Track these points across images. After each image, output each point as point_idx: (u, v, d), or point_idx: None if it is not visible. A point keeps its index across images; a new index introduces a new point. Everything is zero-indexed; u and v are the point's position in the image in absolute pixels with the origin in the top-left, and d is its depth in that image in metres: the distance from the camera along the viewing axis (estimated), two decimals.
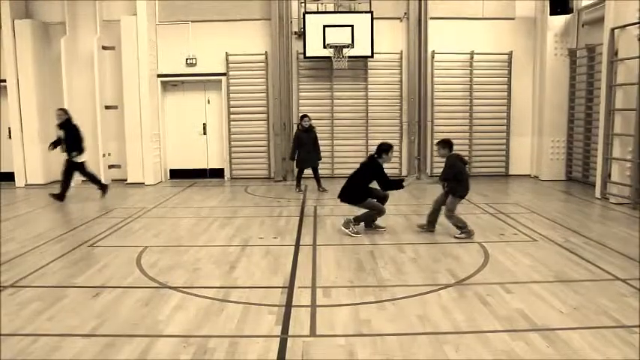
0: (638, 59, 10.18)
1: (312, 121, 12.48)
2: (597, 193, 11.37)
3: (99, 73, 14.00)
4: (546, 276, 6.26)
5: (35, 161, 14.16)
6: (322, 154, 13.43)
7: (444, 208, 8.22)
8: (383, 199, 8.63)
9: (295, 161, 12.76)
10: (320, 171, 13.47)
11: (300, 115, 13.06)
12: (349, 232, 8.29)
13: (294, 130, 13.21)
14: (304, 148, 12.43)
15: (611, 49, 10.90)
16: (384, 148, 8.37)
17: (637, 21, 10.31)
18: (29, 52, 13.84)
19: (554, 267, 6.59)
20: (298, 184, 12.88)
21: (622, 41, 10.68)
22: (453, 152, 8.26)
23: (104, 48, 14.27)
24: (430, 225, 8.48)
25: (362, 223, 8.59)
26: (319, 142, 12.79)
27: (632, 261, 6.76)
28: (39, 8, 14.43)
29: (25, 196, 12.67)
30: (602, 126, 11.26)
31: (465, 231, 8.05)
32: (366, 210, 8.47)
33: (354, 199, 8.50)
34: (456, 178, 8.06)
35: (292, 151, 12.68)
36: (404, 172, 14.63)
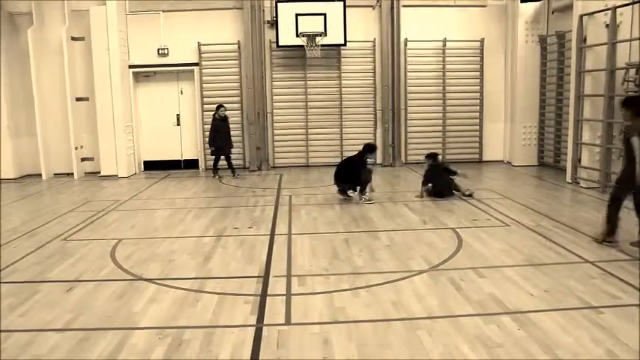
0: (605, 46, 10.35)
1: (287, 110, 12.52)
2: (568, 178, 11.57)
3: (69, 64, 13.77)
4: (518, 260, 6.38)
5: (6, 155, 13.88)
6: (297, 142, 14.34)
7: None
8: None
9: (212, 149, 13.30)
10: (295, 160, 13.78)
11: (217, 105, 13.44)
12: (364, 202, 9.79)
13: (257, 120, 13.21)
14: (222, 136, 13.05)
15: (579, 36, 11.05)
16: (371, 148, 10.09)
17: (604, 8, 10.46)
18: None
19: (526, 251, 6.71)
20: (216, 172, 13.39)
21: (590, 28, 10.83)
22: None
23: (73, 39, 14.03)
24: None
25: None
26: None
27: (601, 244, 6.90)
28: None
29: None
30: (572, 112, 11.44)
31: None
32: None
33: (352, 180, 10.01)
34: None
35: (211, 139, 13.21)
36: (378, 160, 14.67)
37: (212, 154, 13.54)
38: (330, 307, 5.04)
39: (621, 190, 6.74)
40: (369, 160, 9.93)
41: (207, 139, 14.41)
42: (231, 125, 14.45)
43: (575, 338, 4.28)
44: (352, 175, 9.97)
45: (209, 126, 14.48)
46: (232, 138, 14.41)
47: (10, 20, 14.06)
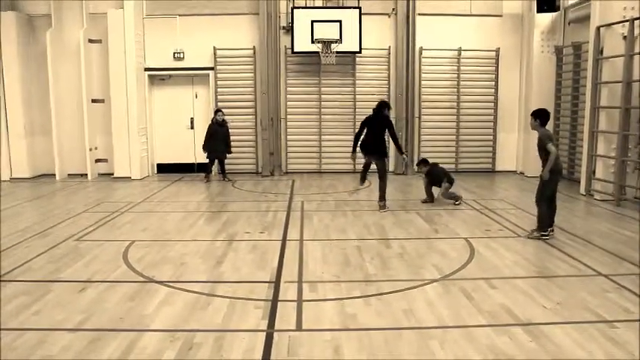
0: (623, 57, 10.28)
1: (301, 116, 12.53)
2: (582, 190, 11.48)
3: (85, 66, 13.88)
4: (530, 271, 6.34)
5: (21, 154, 14.03)
6: (310, 148, 14.54)
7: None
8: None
9: (207, 152, 13.41)
10: (308, 166, 14.07)
11: (215, 109, 13.64)
12: (387, 210, 9.72)
13: (270, 125, 13.22)
14: (216, 140, 13.17)
15: (596, 47, 10.99)
16: (387, 105, 10.02)
17: (622, 19, 10.40)
18: (14, 44, 13.67)
19: (539, 263, 6.68)
20: (207, 175, 13.58)
21: (607, 39, 10.76)
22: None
23: (90, 41, 14.15)
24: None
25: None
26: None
27: (615, 257, 6.85)
28: (24, 0, 14.26)
29: (10, 189, 12.56)
30: (587, 123, 11.36)
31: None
32: (380, 183, 9.88)
33: (381, 151, 9.86)
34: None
35: (205, 142, 13.30)
36: (391, 168, 14.65)
37: (207, 158, 13.61)
38: (341, 314, 5.03)
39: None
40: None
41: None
42: (244, 130, 14.56)
43: (588, 352, 4.24)
44: (381, 139, 9.81)
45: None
46: (246, 143, 14.55)
47: (29, 22, 14.22)
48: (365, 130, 9.91)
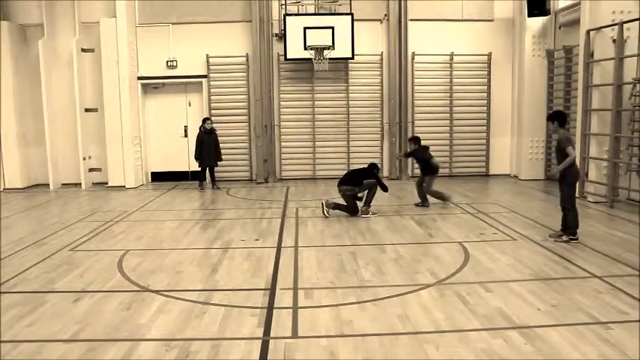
0: (613, 60, 10.36)
1: (295, 122, 12.55)
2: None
3: (78, 75, 13.87)
4: (525, 275, 6.35)
5: (13, 165, 13.98)
6: (304, 155, 14.55)
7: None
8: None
9: (198, 160, 13.47)
10: (302, 172, 14.24)
11: (203, 117, 13.73)
12: (369, 216, 9.81)
13: (264, 132, 13.24)
14: (205, 148, 13.25)
15: (586, 51, 11.06)
16: (377, 168, 10.23)
17: (611, 23, 10.48)
18: (6, 54, 13.65)
19: (533, 266, 6.69)
20: (201, 183, 13.60)
21: (597, 43, 10.84)
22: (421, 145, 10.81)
23: (83, 50, 14.16)
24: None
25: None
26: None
27: (608, 258, 6.88)
28: (16, 10, 14.24)
29: (4, 200, 12.51)
30: (579, 126, 11.44)
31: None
32: (367, 191, 9.95)
33: (357, 183, 9.91)
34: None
35: (196, 151, 13.38)
36: (385, 173, 14.70)
37: (199, 166, 13.64)
38: (336, 320, 5.04)
39: None
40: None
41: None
42: (238, 137, 14.59)
43: (583, 354, 4.26)
44: (360, 179, 9.98)
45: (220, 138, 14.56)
46: (239, 150, 14.57)
47: (22, 31, 14.21)
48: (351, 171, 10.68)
